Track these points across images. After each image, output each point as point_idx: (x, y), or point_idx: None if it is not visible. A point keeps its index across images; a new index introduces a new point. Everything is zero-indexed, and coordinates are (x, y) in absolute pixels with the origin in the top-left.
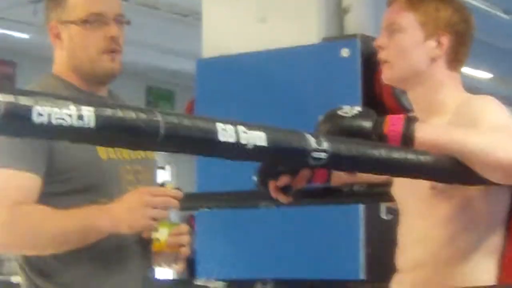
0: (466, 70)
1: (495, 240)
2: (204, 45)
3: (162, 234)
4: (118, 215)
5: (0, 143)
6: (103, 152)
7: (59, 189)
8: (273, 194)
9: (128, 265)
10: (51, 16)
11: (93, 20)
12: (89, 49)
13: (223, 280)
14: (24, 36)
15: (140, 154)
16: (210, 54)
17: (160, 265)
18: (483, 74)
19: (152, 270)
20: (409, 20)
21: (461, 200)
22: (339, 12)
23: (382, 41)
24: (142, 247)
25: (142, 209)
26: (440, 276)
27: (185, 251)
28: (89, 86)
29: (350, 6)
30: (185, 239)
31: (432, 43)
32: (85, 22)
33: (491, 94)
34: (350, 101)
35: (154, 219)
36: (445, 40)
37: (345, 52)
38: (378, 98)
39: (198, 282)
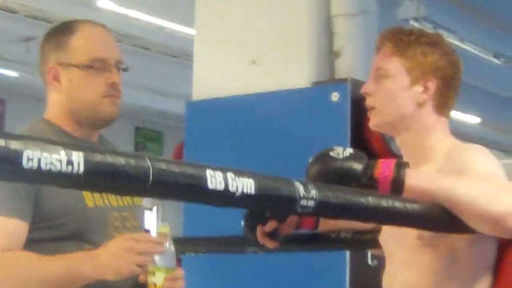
0: (454, 114)
1: (482, 285)
2: (194, 86)
3: (158, 279)
4: (103, 261)
5: None
6: (90, 200)
7: (45, 235)
8: (260, 239)
9: None
10: (50, 57)
11: (96, 66)
12: (90, 93)
13: None
14: (14, 74)
15: (127, 200)
16: (200, 96)
17: None
18: (471, 119)
19: None
20: (395, 66)
21: (447, 250)
22: (330, 56)
23: (369, 87)
24: None
25: (126, 255)
26: None
27: None
28: (82, 131)
29: (341, 50)
30: (181, 284)
31: (418, 88)
32: (88, 67)
33: (479, 138)
34: (338, 145)
35: (139, 265)
36: (432, 84)
37: (335, 97)
38: (367, 143)
39: None
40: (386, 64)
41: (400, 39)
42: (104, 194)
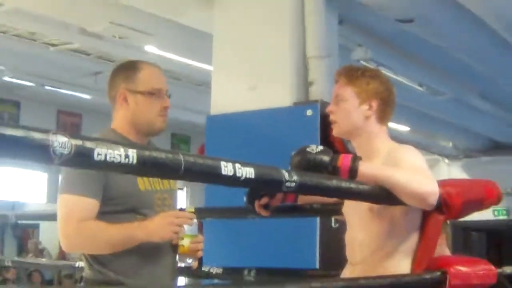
0: (391, 124)
1: (412, 244)
2: (212, 105)
3: (185, 242)
4: (151, 229)
5: (70, 177)
6: (142, 185)
7: (110, 209)
8: (257, 210)
9: (162, 260)
10: (121, 84)
11: (155, 93)
12: (150, 113)
13: (221, 267)
14: (87, 96)
15: (166, 185)
16: (216, 112)
17: (183, 263)
18: (403, 128)
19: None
20: (348, 92)
21: (389, 218)
22: (306, 85)
23: (331, 108)
24: (172, 250)
25: (167, 226)
26: (376, 269)
27: (200, 254)
28: (139, 138)
29: (313, 80)
30: (201, 246)
31: (365, 107)
32: (150, 94)
33: (409, 141)
34: (312, 143)
35: (175, 233)
36: (374, 104)
37: (309, 112)
38: (331, 145)
39: (204, 269)
40: (342, 92)
41: (351, 74)
42: (151, 181)
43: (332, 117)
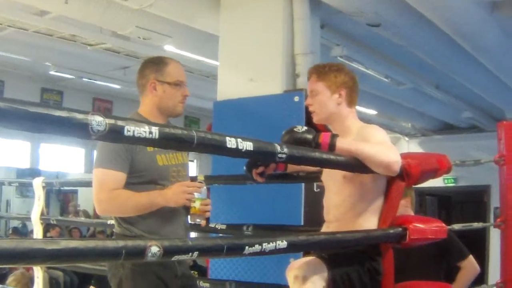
0: (361, 109)
1: (378, 205)
2: (218, 93)
3: (197, 204)
4: (168, 196)
5: (103, 154)
6: (160, 161)
7: (135, 181)
8: (255, 177)
9: (177, 220)
10: (150, 75)
11: (179, 84)
12: (174, 100)
13: (225, 224)
14: (117, 86)
15: (180, 160)
16: (221, 98)
17: (194, 220)
18: (371, 112)
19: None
20: (320, 86)
21: (359, 183)
22: (294, 76)
23: (309, 101)
24: (185, 211)
25: (181, 194)
26: (348, 226)
27: (208, 214)
28: (161, 119)
29: (300, 72)
30: (209, 207)
31: (336, 96)
32: (175, 84)
33: (376, 122)
34: (298, 124)
35: (188, 199)
36: (343, 92)
37: (296, 99)
38: (315, 125)
39: (211, 225)
40: (315, 87)
41: (320, 71)
42: (167, 157)
43: (310, 108)
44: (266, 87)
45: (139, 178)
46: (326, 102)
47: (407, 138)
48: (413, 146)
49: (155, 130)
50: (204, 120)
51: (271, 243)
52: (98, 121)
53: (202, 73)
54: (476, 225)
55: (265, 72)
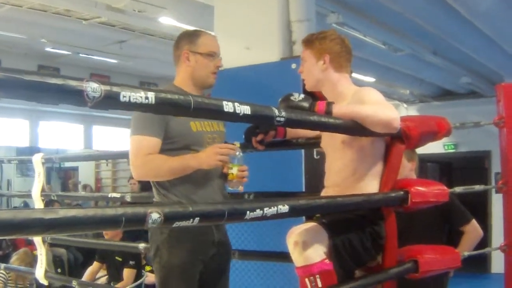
0: (359, 76)
1: (378, 169)
2: None
3: (234, 170)
4: (201, 158)
5: (138, 122)
6: (194, 127)
7: (169, 147)
8: (254, 145)
9: (212, 184)
10: (184, 46)
11: (212, 55)
12: (206, 70)
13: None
14: (113, 61)
15: (215, 127)
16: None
17: (232, 187)
18: (369, 79)
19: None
20: (307, 54)
21: (358, 147)
22: (290, 43)
23: (300, 69)
24: (221, 176)
25: (214, 155)
26: (348, 190)
27: (245, 180)
28: (195, 90)
29: (295, 40)
30: (246, 174)
31: (321, 62)
32: (208, 55)
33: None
34: (296, 91)
35: (221, 161)
36: (327, 58)
37: (293, 66)
38: (312, 93)
39: None
40: (303, 55)
41: (307, 40)
42: (202, 124)
43: (302, 76)
44: (263, 55)
45: (173, 144)
46: (311, 69)
47: (405, 105)
48: (412, 113)
49: (151, 96)
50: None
51: (272, 207)
52: (93, 87)
53: None
54: (477, 187)
55: (261, 40)
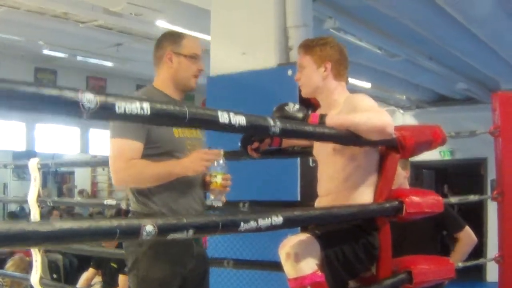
0: (355, 82)
1: (372, 179)
2: (211, 68)
3: (218, 179)
4: (186, 164)
5: (119, 124)
6: (176, 133)
7: (151, 152)
8: (249, 153)
9: (192, 193)
10: (167, 47)
11: (195, 57)
12: (189, 73)
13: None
14: (110, 64)
15: (195, 135)
16: (214, 73)
17: (215, 196)
18: (365, 84)
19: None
20: (306, 60)
21: (350, 156)
22: (286, 50)
23: (297, 76)
24: (202, 185)
25: (198, 161)
26: (341, 199)
27: (228, 189)
28: (176, 94)
29: (292, 46)
30: (229, 183)
31: (322, 69)
32: (191, 57)
33: (371, 95)
34: (292, 99)
35: (205, 167)
36: (328, 66)
37: (290, 72)
38: (308, 99)
39: (207, 202)
40: (302, 61)
41: (307, 46)
42: (183, 130)
43: (299, 83)
44: (259, 61)
45: (155, 150)
46: (311, 75)
47: (401, 111)
48: (408, 119)
49: (146, 106)
50: (198, 96)
51: (266, 218)
52: (88, 98)
53: None
54: (472, 197)
55: (257, 46)
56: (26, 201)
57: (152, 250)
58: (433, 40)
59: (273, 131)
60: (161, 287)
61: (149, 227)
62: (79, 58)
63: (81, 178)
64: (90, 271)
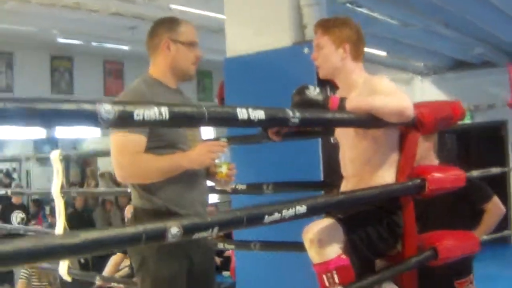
0: (372, 50)
1: (394, 157)
2: (227, 49)
3: (224, 169)
4: (192, 157)
5: None
6: None
7: (155, 145)
8: (270, 136)
9: (199, 186)
10: (164, 34)
11: (193, 44)
12: (187, 60)
13: (245, 183)
14: (126, 47)
15: None
16: (230, 53)
17: (221, 187)
18: (382, 53)
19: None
20: (325, 41)
21: (371, 138)
22: (301, 28)
23: (314, 55)
24: (206, 176)
25: (206, 154)
26: (366, 180)
27: (233, 178)
28: (173, 82)
29: (306, 24)
30: (235, 172)
31: (340, 50)
32: (189, 44)
33: (387, 64)
34: (309, 78)
35: (212, 159)
36: (347, 47)
37: (306, 51)
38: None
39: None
40: (320, 41)
41: (325, 25)
42: None
43: (316, 63)
44: (275, 40)
45: (158, 142)
46: (330, 56)
47: (420, 77)
48: (426, 85)
49: (164, 111)
50: (216, 72)
51: (290, 209)
52: (106, 109)
53: (210, 28)
54: (494, 170)
55: (272, 25)
56: (50, 193)
57: (159, 248)
58: (448, 8)
59: (292, 122)
60: (171, 284)
61: (174, 229)
62: (94, 44)
63: (104, 161)
64: (118, 255)
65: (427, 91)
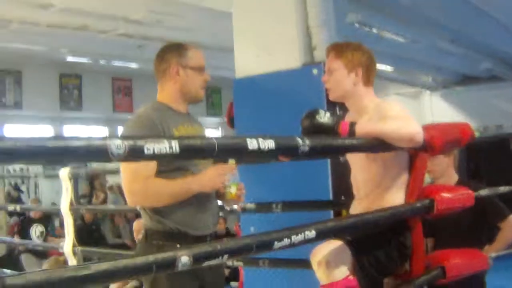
0: (380, 66)
1: (403, 179)
2: (236, 69)
3: (232, 189)
4: (203, 181)
5: None
6: None
7: (165, 169)
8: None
9: (210, 207)
10: (173, 59)
11: (202, 69)
12: (196, 84)
13: (253, 202)
14: (134, 66)
15: None
16: (239, 74)
17: (230, 207)
18: (388, 68)
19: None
20: (337, 64)
21: (381, 161)
22: (310, 49)
23: (325, 78)
24: (216, 197)
25: (216, 177)
26: (377, 202)
27: (242, 198)
28: (183, 107)
29: (316, 46)
30: (244, 192)
31: (352, 75)
32: (198, 69)
33: (393, 78)
34: (319, 100)
35: (223, 182)
36: (359, 71)
37: (315, 71)
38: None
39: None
40: (333, 64)
41: (338, 49)
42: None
43: (327, 85)
44: (284, 61)
45: (167, 166)
46: (342, 80)
47: (428, 92)
48: (435, 99)
49: (175, 144)
50: (225, 89)
51: (299, 234)
52: (116, 144)
53: (219, 48)
54: (502, 189)
55: (281, 46)
56: (59, 210)
57: None
58: (453, 25)
59: (302, 150)
60: None
61: (184, 258)
62: (102, 62)
63: (113, 175)
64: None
65: (435, 105)
